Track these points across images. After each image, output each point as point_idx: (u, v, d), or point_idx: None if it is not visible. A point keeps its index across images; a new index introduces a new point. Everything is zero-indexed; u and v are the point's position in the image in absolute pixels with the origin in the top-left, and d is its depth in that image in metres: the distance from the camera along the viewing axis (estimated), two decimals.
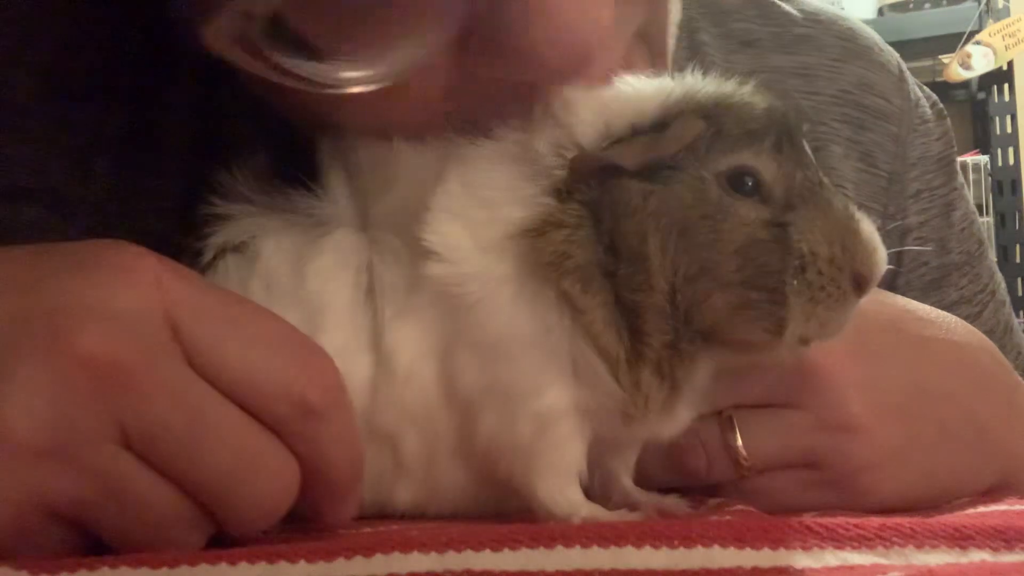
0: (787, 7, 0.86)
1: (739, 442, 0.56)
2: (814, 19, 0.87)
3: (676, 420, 0.52)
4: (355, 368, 0.52)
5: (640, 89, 0.53)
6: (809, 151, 0.53)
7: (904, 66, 0.89)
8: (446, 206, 0.52)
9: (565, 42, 0.50)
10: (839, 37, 0.86)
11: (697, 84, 0.52)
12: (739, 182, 0.50)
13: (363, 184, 0.56)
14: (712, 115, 0.51)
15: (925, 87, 0.92)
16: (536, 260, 0.49)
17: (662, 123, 0.50)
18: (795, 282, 0.49)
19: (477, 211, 0.51)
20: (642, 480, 0.57)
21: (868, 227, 0.51)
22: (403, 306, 0.52)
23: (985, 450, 0.60)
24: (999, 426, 0.61)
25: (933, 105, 0.90)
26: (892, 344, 0.60)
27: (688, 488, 0.57)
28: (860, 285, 0.50)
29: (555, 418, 0.51)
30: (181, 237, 0.58)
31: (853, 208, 0.51)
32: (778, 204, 0.50)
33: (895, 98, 0.86)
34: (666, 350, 0.50)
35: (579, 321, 0.49)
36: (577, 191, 0.50)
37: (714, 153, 0.50)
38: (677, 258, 0.49)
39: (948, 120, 0.91)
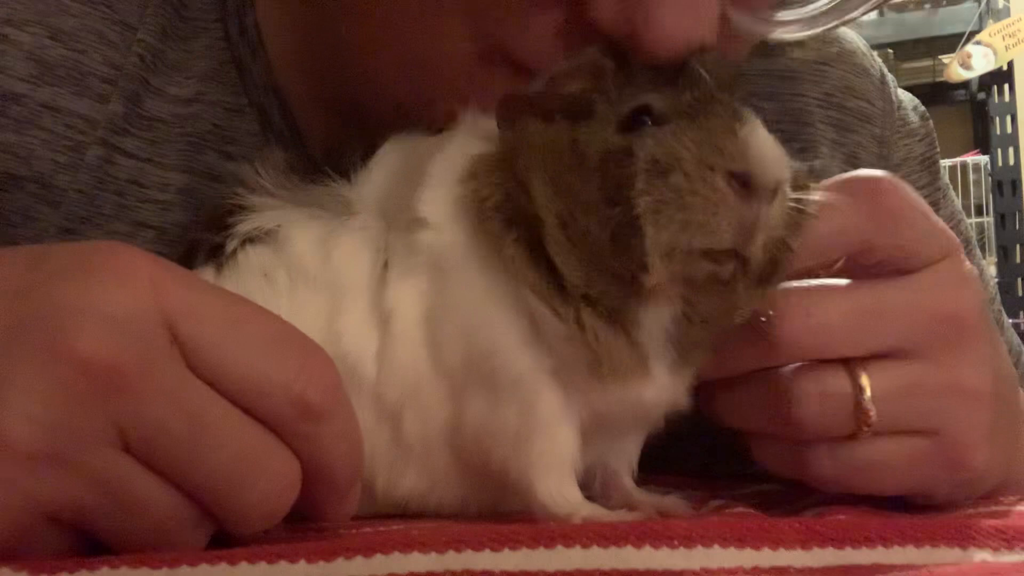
0: None
1: (868, 394, 0.51)
2: None
3: (656, 380, 0.51)
4: (367, 343, 0.52)
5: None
6: (705, 74, 0.51)
7: (885, 70, 0.90)
8: (437, 171, 0.52)
9: (684, 31, 0.51)
10: (822, 41, 0.87)
11: None
12: (638, 122, 0.49)
13: (394, 174, 0.56)
14: (625, 58, 0.51)
15: (907, 91, 0.93)
16: (472, 209, 0.51)
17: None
18: (651, 186, 0.47)
19: (456, 173, 0.52)
20: (722, 420, 0.55)
21: (750, 126, 0.48)
22: (404, 267, 0.53)
23: (1013, 448, 0.58)
24: (1018, 426, 0.60)
25: (915, 108, 0.91)
26: (991, 320, 0.57)
27: (690, 487, 0.57)
28: (744, 183, 0.47)
29: (532, 386, 0.51)
30: (198, 232, 0.58)
31: (744, 113, 0.49)
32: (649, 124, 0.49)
33: (877, 101, 0.87)
34: (589, 289, 0.49)
35: (506, 260, 0.50)
36: (501, 138, 0.52)
37: (624, 96, 0.50)
38: (556, 188, 0.49)
39: (931, 122, 0.91)
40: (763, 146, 0.48)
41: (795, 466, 0.54)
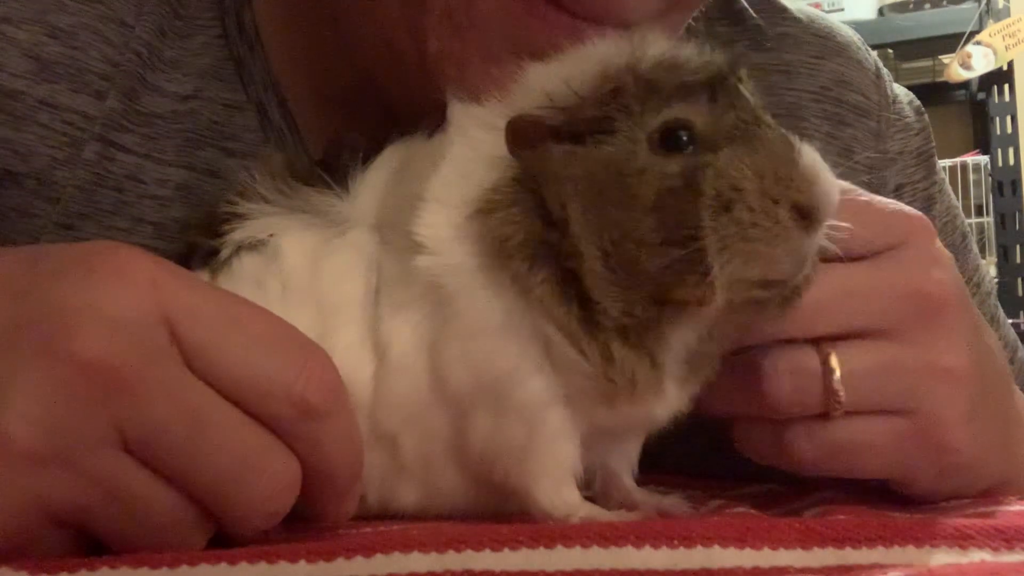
0: (759, 18, 0.87)
1: (838, 374, 0.51)
2: (792, 18, 0.87)
3: (667, 396, 0.51)
4: (360, 366, 0.52)
5: (588, 55, 0.52)
6: (746, 93, 0.50)
7: (880, 64, 0.90)
8: (437, 194, 0.51)
9: None
10: (817, 35, 0.87)
11: (643, 47, 0.51)
12: (673, 137, 0.48)
13: (388, 182, 0.56)
14: (645, 73, 0.49)
15: (902, 86, 0.93)
16: (489, 246, 0.49)
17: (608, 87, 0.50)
18: (717, 223, 0.46)
19: (457, 196, 0.51)
20: (701, 408, 0.54)
21: (810, 156, 0.48)
22: (399, 299, 0.52)
23: (1003, 442, 0.58)
24: (1012, 423, 0.60)
25: (910, 103, 0.91)
26: (971, 305, 0.57)
27: (690, 487, 0.57)
28: (806, 216, 0.47)
29: (541, 409, 0.50)
30: (195, 236, 0.58)
31: (794, 140, 0.48)
32: (699, 149, 0.48)
33: (873, 94, 0.86)
34: (627, 318, 0.48)
35: (531, 299, 0.48)
36: (512, 165, 0.50)
37: (649, 111, 0.49)
38: (599, 222, 0.47)
39: (926, 117, 0.91)
40: (826, 178, 0.48)
41: (775, 450, 0.54)
